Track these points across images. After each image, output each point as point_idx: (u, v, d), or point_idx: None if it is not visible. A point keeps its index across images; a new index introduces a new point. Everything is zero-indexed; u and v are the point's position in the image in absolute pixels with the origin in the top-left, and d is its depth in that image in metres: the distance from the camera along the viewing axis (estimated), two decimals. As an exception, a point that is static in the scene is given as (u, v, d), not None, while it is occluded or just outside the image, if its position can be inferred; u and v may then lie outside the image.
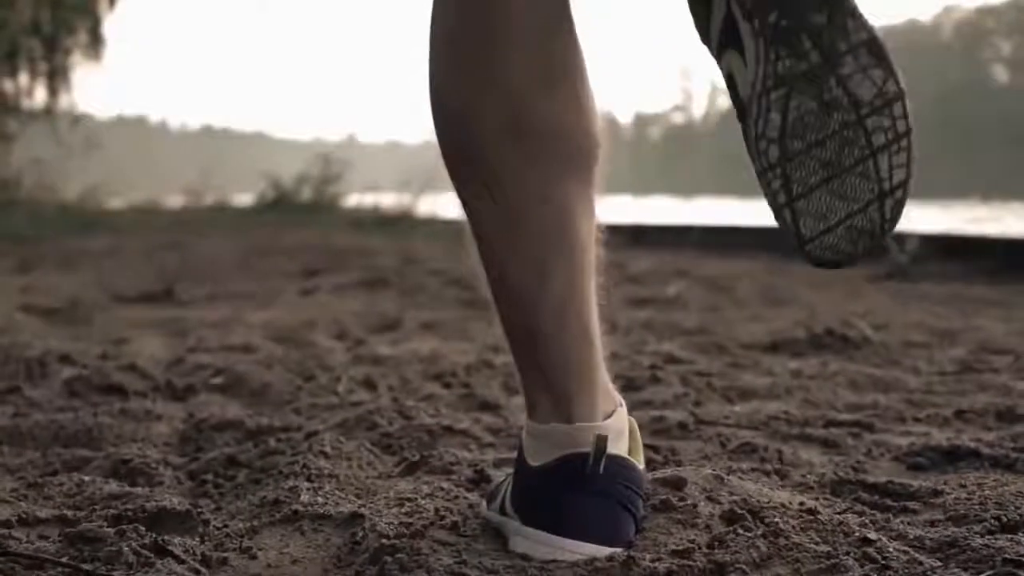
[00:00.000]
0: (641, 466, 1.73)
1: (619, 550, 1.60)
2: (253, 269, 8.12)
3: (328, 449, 2.11)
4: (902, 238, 8.61)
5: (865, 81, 1.59)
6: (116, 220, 15.36)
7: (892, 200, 1.60)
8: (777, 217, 1.60)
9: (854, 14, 1.60)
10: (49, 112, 20.77)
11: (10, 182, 16.34)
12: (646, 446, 2.02)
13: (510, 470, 1.82)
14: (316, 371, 3.10)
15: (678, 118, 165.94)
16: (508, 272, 1.72)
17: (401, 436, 2.29)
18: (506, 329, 1.77)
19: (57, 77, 21.35)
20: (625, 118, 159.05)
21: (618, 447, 1.69)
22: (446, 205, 14.41)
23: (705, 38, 1.68)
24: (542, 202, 1.69)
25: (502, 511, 1.75)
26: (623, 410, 1.76)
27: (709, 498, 1.75)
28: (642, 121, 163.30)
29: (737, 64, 1.64)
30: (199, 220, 15.23)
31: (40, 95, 21.14)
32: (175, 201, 20.52)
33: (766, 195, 1.61)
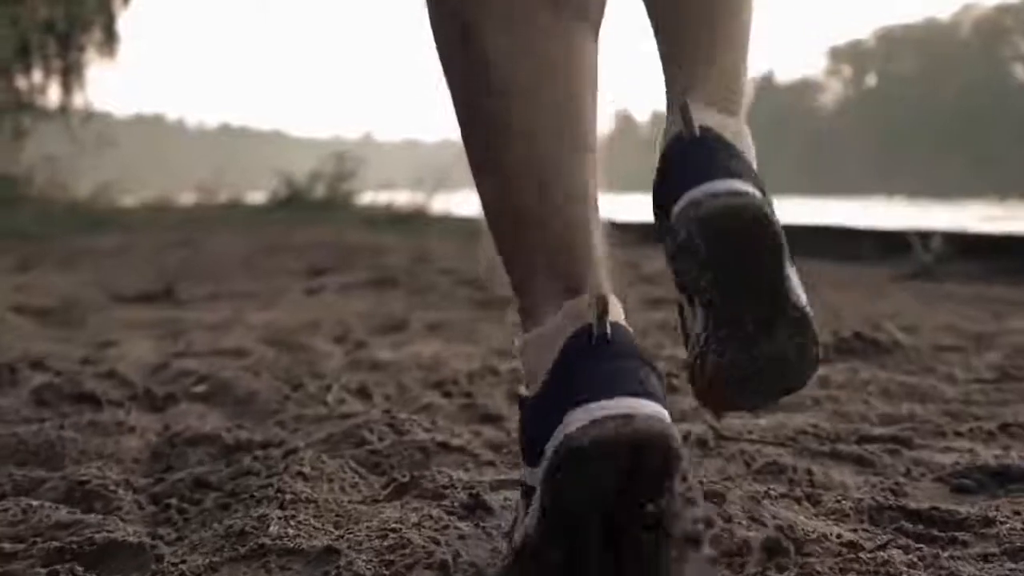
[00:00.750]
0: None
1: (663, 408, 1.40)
2: (259, 268, 7.91)
3: (307, 469, 1.90)
4: (926, 236, 8.41)
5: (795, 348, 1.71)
6: (127, 218, 15.24)
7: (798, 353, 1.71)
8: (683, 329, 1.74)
9: (794, 306, 1.68)
10: (63, 110, 20.67)
11: (20, 179, 16.14)
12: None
13: (509, 492, 1.69)
14: (307, 379, 2.88)
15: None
16: (519, 128, 1.57)
17: (391, 453, 2.07)
18: (499, 209, 1.61)
19: (71, 74, 21.25)
20: (642, 115, 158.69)
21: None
22: (460, 203, 14.26)
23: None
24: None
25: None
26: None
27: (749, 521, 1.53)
28: (660, 119, 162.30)
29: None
30: (210, 218, 15.08)
31: (54, 93, 21.07)
32: (188, 199, 20.44)
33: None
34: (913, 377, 3.03)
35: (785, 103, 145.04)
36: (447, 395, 2.73)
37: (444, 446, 2.09)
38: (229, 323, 4.80)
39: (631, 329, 1.49)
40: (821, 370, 3.09)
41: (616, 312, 1.49)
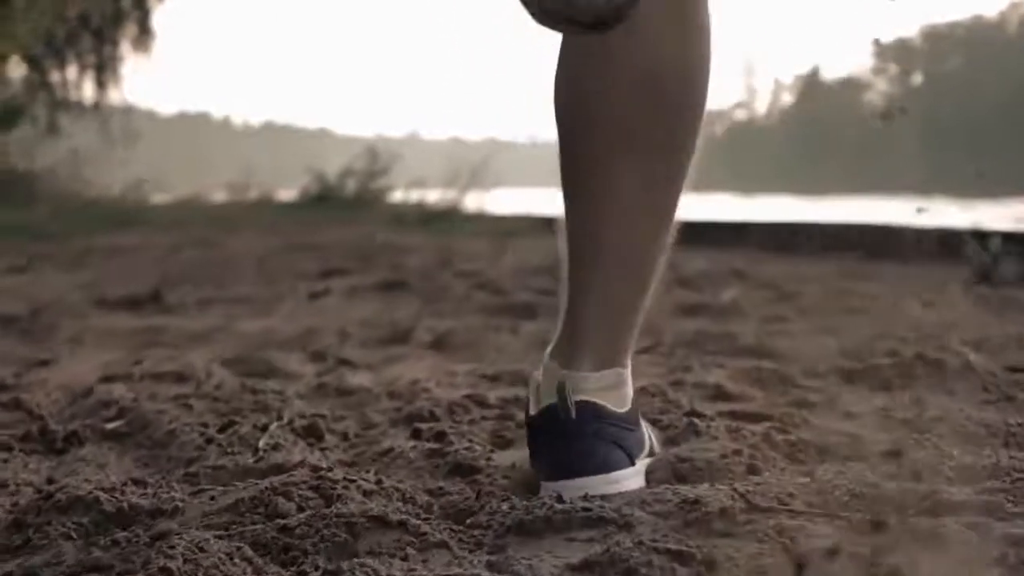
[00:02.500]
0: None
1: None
2: (271, 269, 7.42)
3: (178, 563, 1.37)
4: (984, 236, 7.88)
5: None
6: (153, 216, 14.83)
7: None
8: None
9: None
10: (97, 106, 20.40)
11: (43, 175, 15.73)
12: (669, 550, 1.45)
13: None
14: (247, 413, 2.33)
15: (741, 114, 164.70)
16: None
17: (306, 533, 1.52)
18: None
19: (105, 70, 21.00)
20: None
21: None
22: (494, 201, 13.82)
23: None
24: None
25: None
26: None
27: None
28: (705, 118, 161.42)
29: None
30: (238, 216, 14.64)
31: (89, 88, 20.83)
32: (220, 197, 20.13)
33: None
34: (991, 410, 2.48)
35: (831, 101, 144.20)
36: (415, 435, 2.19)
37: (381, 521, 1.55)
38: (210, 333, 4.31)
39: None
40: (878, 401, 2.55)
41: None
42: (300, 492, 1.67)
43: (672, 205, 1.85)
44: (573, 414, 1.79)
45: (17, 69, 18.80)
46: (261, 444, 2.04)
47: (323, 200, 16.69)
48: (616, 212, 1.79)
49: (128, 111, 20.93)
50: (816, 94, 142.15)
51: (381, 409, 2.38)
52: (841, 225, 10.42)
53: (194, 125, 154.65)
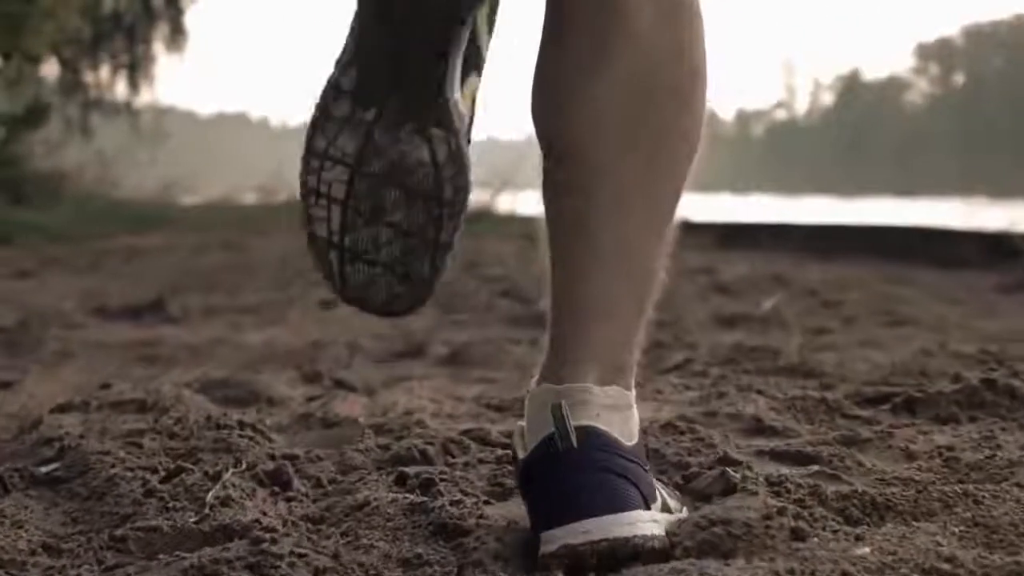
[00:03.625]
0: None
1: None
2: (289, 273, 7.11)
3: None
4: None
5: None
6: (182, 217, 14.58)
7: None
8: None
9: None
10: (128, 105, 20.26)
11: (69, 176, 15.48)
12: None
13: None
14: (203, 455, 1.99)
15: (780, 114, 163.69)
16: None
17: None
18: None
19: (137, 69, 20.87)
20: (727, 114, 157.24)
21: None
22: (527, 202, 13.52)
23: None
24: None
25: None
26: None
27: None
28: (744, 117, 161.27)
29: None
30: (265, 218, 14.36)
31: (122, 88, 20.71)
32: (250, 198, 19.93)
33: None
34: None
35: (872, 101, 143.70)
36: (400, 482, 1.85)
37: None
38: (208, 346, 4.01)
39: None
40: (942, 438, 2.20)
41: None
42: (235, 572, 1.34)
43: (674, 200, 1.67)
44: (574, 442, 1.52)
45: (51, 69, 18.61)
46: (209, 498, 1.69)
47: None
48: (616, 206, 1.61)
49: (160, 111, 20.73)
50: (857, 94, 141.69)
51: (365, 448, 2.03)
52: (882, 227, 10.07)
53: (232, 126, 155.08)
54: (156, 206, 16.14)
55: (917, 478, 1.87)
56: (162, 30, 21.17)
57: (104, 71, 20.79)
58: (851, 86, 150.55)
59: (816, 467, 1.93)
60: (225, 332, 4.41)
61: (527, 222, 11.89)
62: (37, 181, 13.96)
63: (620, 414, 1.59)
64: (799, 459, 2.01)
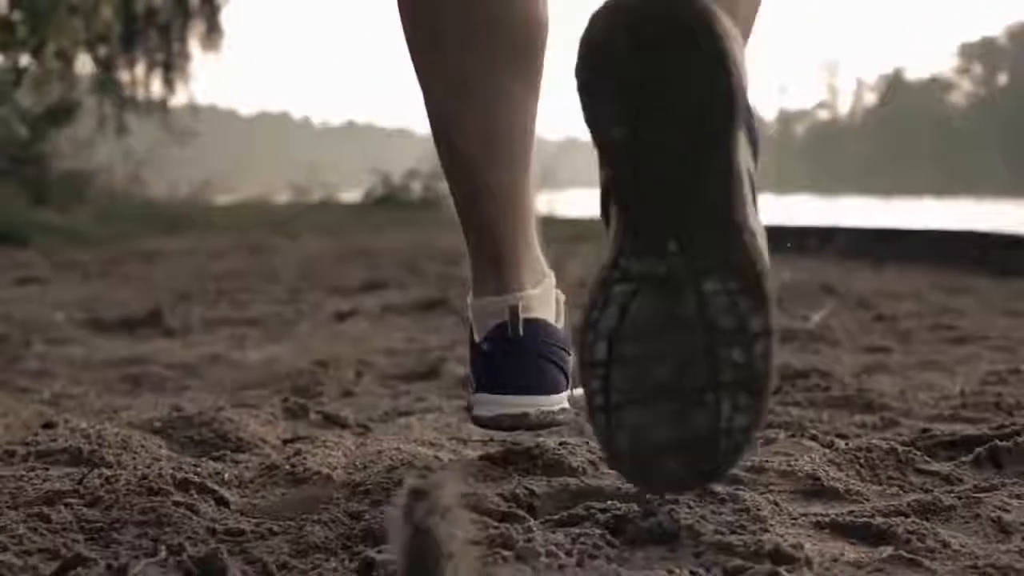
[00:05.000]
0: (559, 326, 1.93)
1: (552, 398, 1.88)
2: (308, 279, 6.75)
3: None
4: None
5: (728, 307, 1.42)
6: (213, 217, 14.31)
7: (728, 443, 1.43)
8: (591, 419, 1.49)
9: (737, 227, 1.44)
10: (163, 104, 20.06)
11: (99, 175, 15.19)
12: None
13: None
14: (120, 532, 1.56)
15: (823, 114, 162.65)
16: (455, 141, 1.89)
17: None
18: (454, 202, 1.97)
19: (172, 68, 20.68)
20: (769, 115, 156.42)
21: (544, 313, 1.90)
22: (566, 202, 13.11)
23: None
24: (488, 78, 1.83)
25: (472, 388, 1.94)
26: (550, 280, 1.96)
27: None
28: (786, 118, 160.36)
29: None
30: (297, 218, 14.06)
31: (157, 87, 20.51)
32: (284, 198, 19.72)
33: (585, 391, 1.49)
34: None
35: (915, 102, 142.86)
36: (365, 572, 1.46)
37: None
38: (200, 365, 3.64)
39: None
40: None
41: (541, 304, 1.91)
42: None
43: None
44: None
45: (85, 68, 18.34)
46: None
47: (386, 202, 16.13)
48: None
49: (195, 109, 20.51)
50: (899, 94, 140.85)
51: (331, 519, 1.63)
52: (935, 231, 9.64)
53: (274, 125, 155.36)
54: (188, 207, 15.86)
55: (1018, 566, 1.48)
56: (198, 28, 20.93)
57: (139, 69, 20.56)
58: (894, 86, 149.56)
59: (890, 549, 1.53)
60: (223, 348, 4.04)
61: (566, 224, 11.48)
62: (62, 181, 13.64)
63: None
64: (868, 536, 1.61)
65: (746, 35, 1.71)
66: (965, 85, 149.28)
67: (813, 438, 2.19)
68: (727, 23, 1.39)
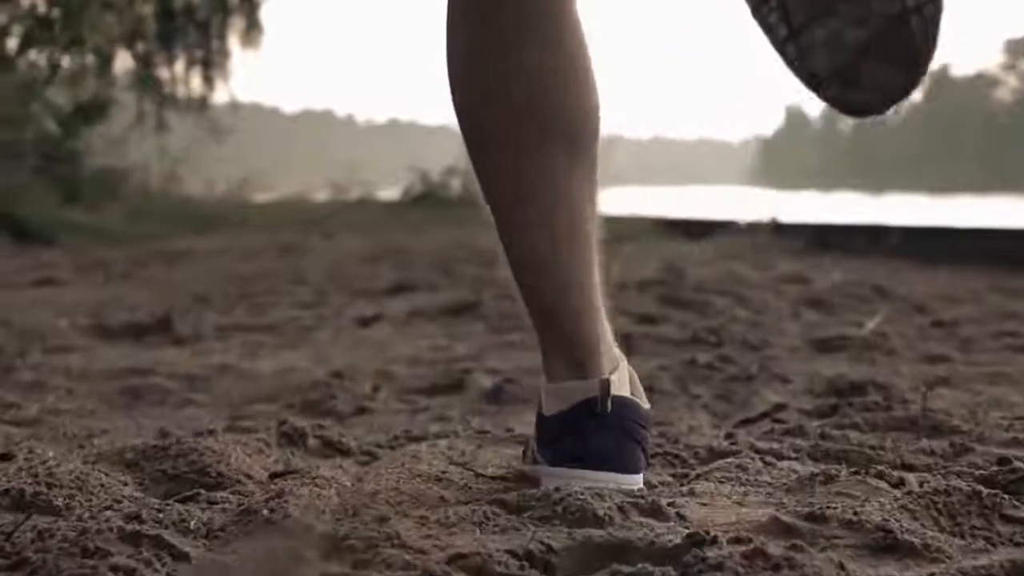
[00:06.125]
0: (645, 405, 1.89)
1: (632, 477, 1.82)
2: (336, 281, 6.48)
3: None
4: None
5: None
6: (249, 215, 14.11)
7: (919, 23, 1.50)
8: (782, 57, 1.53)
9: None
10: (202, 101, 19.90)
11: (134, 173, 15.00)
12: None
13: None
14: None
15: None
16: (521, 246, 1.86)
17: None
18: (523, 298, 1.89)
19: (211, 65, 20.53)
20: (813, 110, 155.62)
21: (622, 391, 1.85)
22: (609, 199, 12.85)
23: None
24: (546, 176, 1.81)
25: (533, 461, 1.91)
26: (624, 364, 1.90)
27: None
28: (831, 114, 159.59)
29: None
30: (333, 217, 13.83)
31: (196, 84, 20.36)
32: (322, 196, 19.54)
33: (766, 35, 1.53)
34: None
35: (960, 98, 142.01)
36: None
37: None
38: (209, 376, 3.42)
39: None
40: None
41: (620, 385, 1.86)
42: None
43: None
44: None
45: (124, 64, 18.17)
46: None
47: (424, 200, 15.90)
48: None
49: (234, 107, 20.35)
50: (945, 90, 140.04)
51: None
52: (989, 230, 9.30)
53: (317, 123, 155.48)
54: (223, 205, 15.66)
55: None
56: (237, 25, 20.76)
57: (178, 66, 20.40)
58: (939, 82, 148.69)
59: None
60: (235, 357, 3.78)
61: (608, 222, 11.14)
62: (95, 179, 13.44)
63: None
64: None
65: None
66: (1011, 81, 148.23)
67: (879, 475, 1.88)
68: None
